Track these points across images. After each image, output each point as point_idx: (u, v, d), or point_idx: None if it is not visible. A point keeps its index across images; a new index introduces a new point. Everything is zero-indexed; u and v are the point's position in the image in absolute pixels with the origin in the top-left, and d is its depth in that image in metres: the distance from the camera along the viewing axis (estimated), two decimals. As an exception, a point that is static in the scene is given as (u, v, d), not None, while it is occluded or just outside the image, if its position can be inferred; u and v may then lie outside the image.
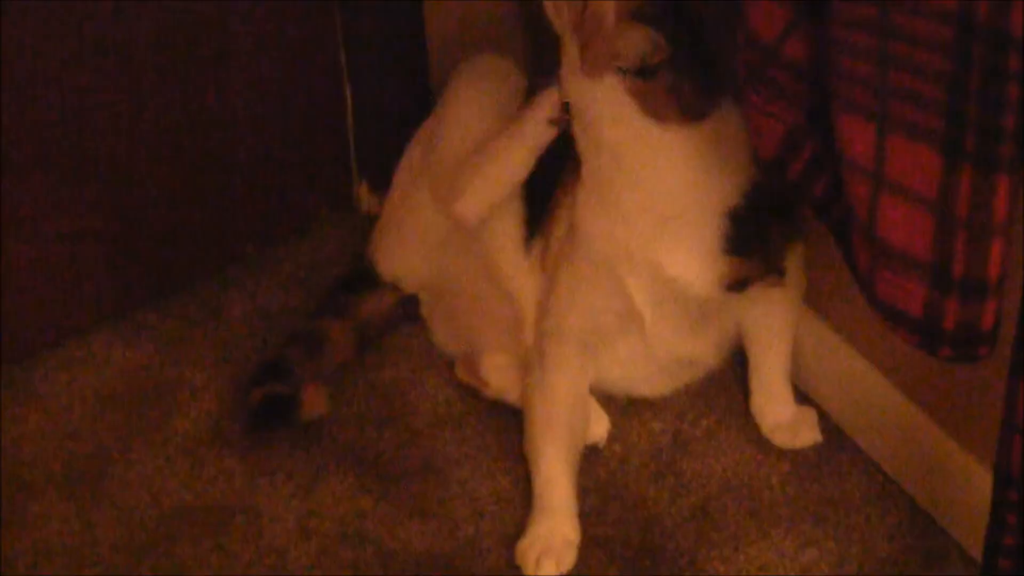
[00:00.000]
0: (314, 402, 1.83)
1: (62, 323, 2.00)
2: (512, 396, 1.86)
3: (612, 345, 1.76)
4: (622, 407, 1.88)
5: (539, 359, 1.76)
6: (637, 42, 1.55)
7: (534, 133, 1.72)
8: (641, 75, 1.57)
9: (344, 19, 2.04)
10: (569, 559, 1.71)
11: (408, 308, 1.98)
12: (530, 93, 1.79)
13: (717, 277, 1.66)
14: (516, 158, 1.75)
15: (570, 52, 1.61)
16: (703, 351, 1.81)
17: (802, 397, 1.87)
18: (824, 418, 1.85)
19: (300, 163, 2.11)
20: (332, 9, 2.03)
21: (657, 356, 1.78)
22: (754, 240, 1.67)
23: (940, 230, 1.21)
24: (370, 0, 2.04)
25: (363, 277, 1.98)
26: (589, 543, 1.73)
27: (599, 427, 1.83)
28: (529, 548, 1.71)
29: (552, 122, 1.71)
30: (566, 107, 1.68)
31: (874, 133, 1.21)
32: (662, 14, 1.57)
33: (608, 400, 1.87)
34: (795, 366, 1.85)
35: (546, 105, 1.71)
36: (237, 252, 2.11)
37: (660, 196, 1.63)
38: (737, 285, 1.68)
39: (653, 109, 1.59)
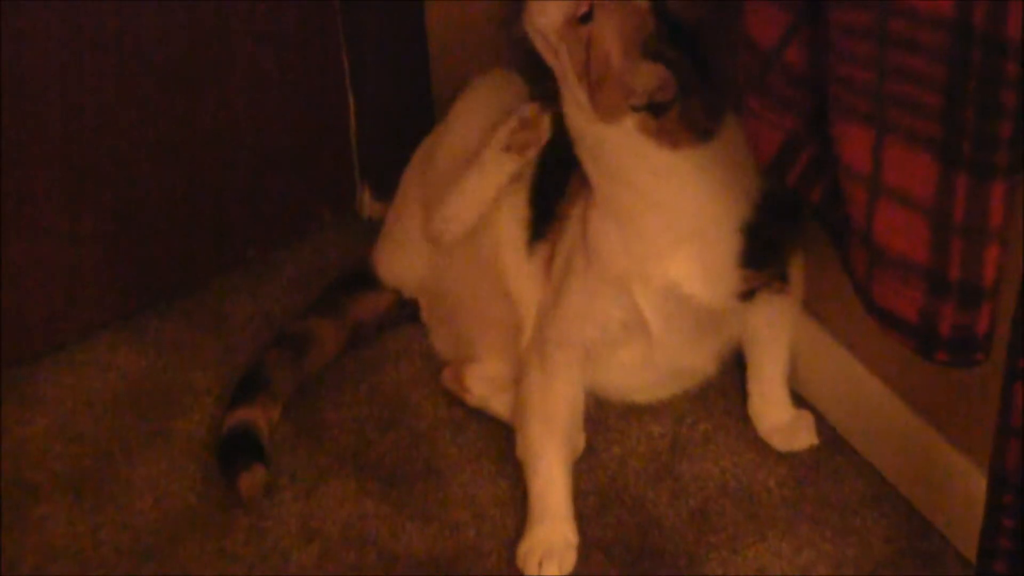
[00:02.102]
0: (250, 486, 1.79)
1: (65, 326, 2.00)
2: (492, 405, 1.87)
3: (616, 353, 1.77)
4: (621, 411, 1.89)
5: (541, 363, 1.76)
6: (649, 78, 1.56)
7: (489, 166, 1.74)
8: (653, 111, 1.57)
9: (347, 26, 2.04)
10: (570, 561, 1.71)
11: (408, 311, 1.99)
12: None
13: (731, 290, 1.67)
14: (478, 188, 1.76)
15: (577, 96, 1.61)
16: (704, 361, 1.82)
17: (799, 401, 1.87)
18: (821, 421, 1.86)
19: (303, 168, 2.12)
20: (335, 16, 2.03)
21: (659, 365, 1.78)
22: (766, 251, 1.68)
23: (936, 235, 1.21)
24: (373, 5, 2.04)
25: (360, 278, 1.99)
26: (589, 545, 1.73)
27: (578, 441, 1.83)
28: (530, 551, 1.71)
29: (507, 150, 1.72)
30: (533, 120, 1.70)
31: (872, 139, 1.22)
32: (668, 44, 1.57)
33: (606, 404, 1.88)
34: (792, 370, 1.86)
35: (502, 134, 1.72)
36: (239, 256, 2.12)
37: (679, 217, 1.63)
38: (747, 294, 1.69)
39: (668, 139, 1.59)
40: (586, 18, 1.59)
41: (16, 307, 1.94)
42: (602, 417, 1.87)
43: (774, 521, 1.75)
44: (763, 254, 1.67)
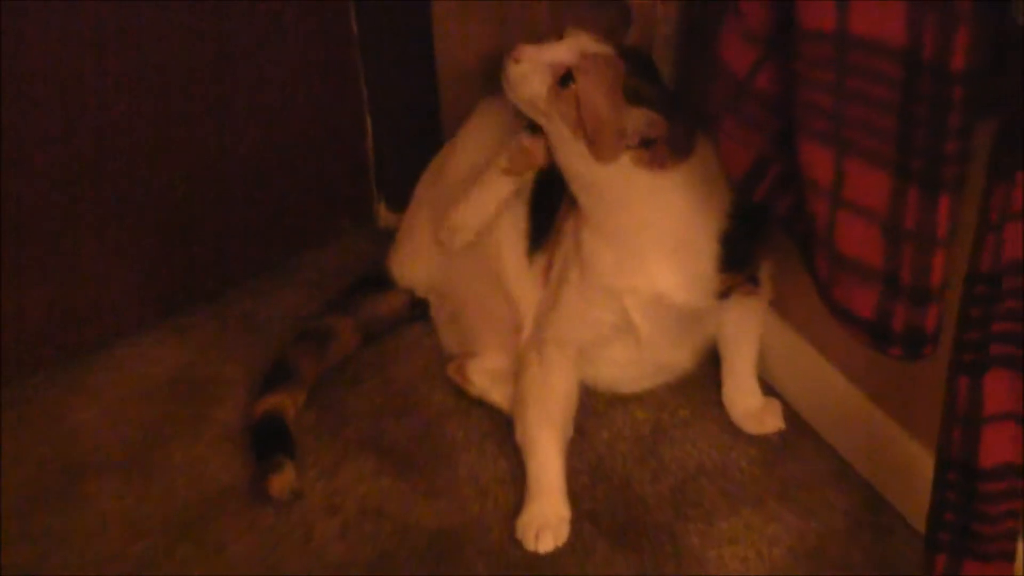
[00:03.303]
0: (280, 489, 1.77)
1: (114, 326, 2.00)
2: (491, 395, 1.88)
3: (606, 351, 1.77)
4: (610, 399, 1.89)
5: (539, 360, 1.76)
6: (638, 121, 1.57)
7: (494, 183, 1.74)
8: (645, 145, 1.58)
9: (365, 63, 2.05)
10: (564, 533, 1.72)
11: (419, 310, 1.99)
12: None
13: (711, 292, 1.68)
14: (483, 201, 1.76)
15: (573, 146, 1.61)
16: (684, 356, 1.83)
17: (768, 389, 1.88)
18: (787, 408, 1.86)
19: (326, 182, 2.12)
20: (355, 54, 2.04)
21: (645, 361, 1.79)
22: (741, 256, 1.68)
23: (890, 243, 1.22)
24: (388, 46, 2.04)
25: (375, 280, 1.99)
26: (581, 518, 1.74)
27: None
28: (528, 525, 1.72)
29: (506, 172, 1.72)
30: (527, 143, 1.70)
31: (833, 157, 1.23)
32: (643, 82, 1.58)
33: (597, 394, 1.88)
34: (762, 362, 1.87)
35: (501, 159, 1.72)
36: (267, 261, 2.12)
37: (667, 231, 1.64)
38: (724, 293, 1.70)
39: (658, 164, 1.60)
40: (566, 80, 1.59)
41: (68, 309, 1.94)
42: (592, 404, 1.88)
43: (745, 497, 1.76)
44: (738, 258, 1.68)
